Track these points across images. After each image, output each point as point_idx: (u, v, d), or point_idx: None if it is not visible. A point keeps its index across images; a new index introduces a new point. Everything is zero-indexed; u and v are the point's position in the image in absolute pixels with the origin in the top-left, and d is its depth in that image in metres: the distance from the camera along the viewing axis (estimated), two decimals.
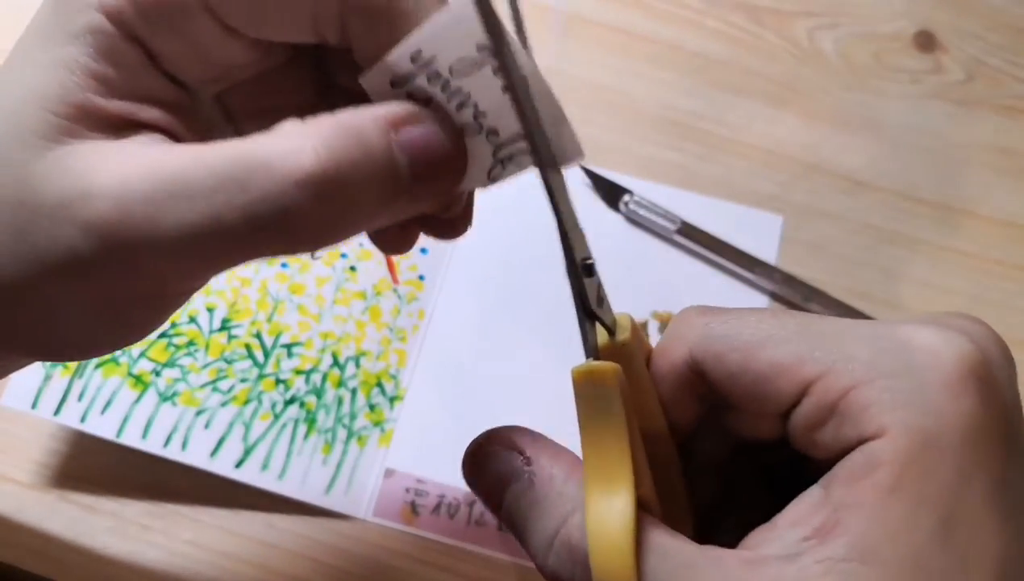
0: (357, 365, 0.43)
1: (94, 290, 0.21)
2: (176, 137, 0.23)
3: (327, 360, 0.43)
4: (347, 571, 0.39)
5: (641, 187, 0.49)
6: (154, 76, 0.23)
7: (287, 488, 0.40)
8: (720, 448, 0.25)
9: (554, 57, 0.54)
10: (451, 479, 0.41)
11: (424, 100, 0.23)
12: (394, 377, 0.43)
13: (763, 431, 0.23)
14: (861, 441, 0.20)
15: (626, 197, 0.48)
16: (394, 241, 0.28)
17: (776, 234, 0.48)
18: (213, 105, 0.26)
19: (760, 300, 0.47)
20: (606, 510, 0.21)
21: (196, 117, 0.24)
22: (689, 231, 0.47)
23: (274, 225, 0.20)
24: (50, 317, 0.22)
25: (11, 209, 0.21)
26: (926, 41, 0.56)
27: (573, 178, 0.49)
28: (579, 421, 0.22)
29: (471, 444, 0.24)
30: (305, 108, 0.27)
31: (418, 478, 0.41)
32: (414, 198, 0.22)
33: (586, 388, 0.22)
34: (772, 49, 0.55)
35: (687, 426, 0.25)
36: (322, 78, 0.27)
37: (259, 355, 0.43)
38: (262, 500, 0.40)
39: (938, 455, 0.19)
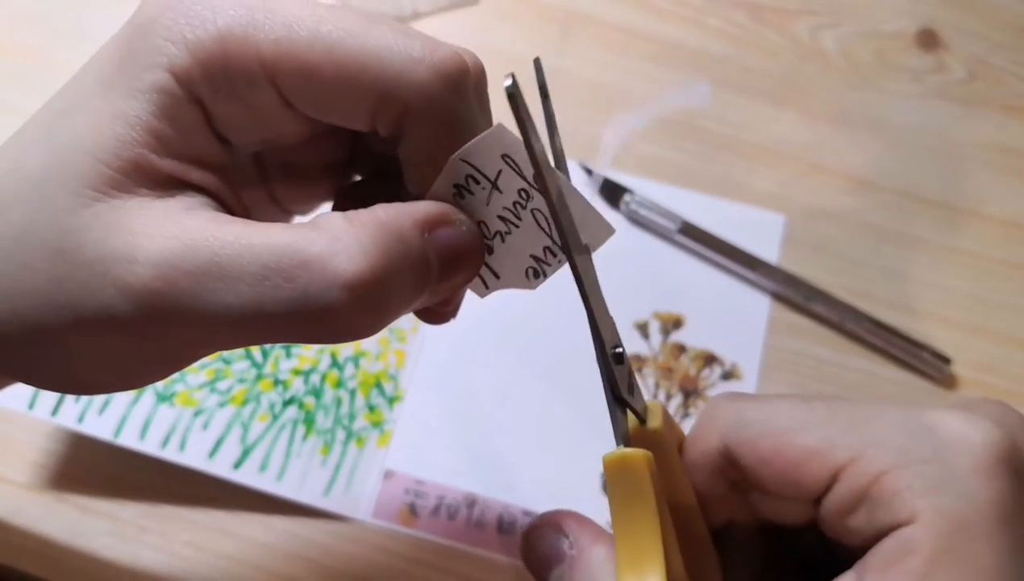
0: (356, 366, 0.43)
1: (120, 346, 0.22)
2: (216, 195, 0.23)
3: (326, 361, 0.43)
4: (346, 573, 0.39)
5: (642, 186, 0.48)
6: (208, 138, 0.23)
7: (286, 489, 0.40)
8: (755, 535, 0.26)
9: (555, 55, 0.54)
10: (450, 480, 0.41)
11: (467, 192, 0.24)
12: (393, 378, 0.43)
13: (796, 517, 0.23)
14: (894, 527, 0.20)
15: (627, 196, 0.48)
16: (438, 314, 0.28)
17: (778, 233, 0.48)
18: (249, 159, 0.26)
19: (762, 300, 0.46)
20: None
21: (233, 170, 0.25)
22: (690, 230, 0.47)
23: (313, 320, 0.21)
24: (67, 360, 0.22)
25: (51, 256, 0.21)
26: (928, 40, 0.55)
27: (573, 177, 0.49)
28: (611, 507, 0.22)
29: (528, 525, 0.25)
30: (333, 167, 0.28)
31: (417, 479, 0.41)
32: (434, 293, 0.23)
33: (618, 475, 0.22)
34: (773, 48, 0.55)
35: (722, 513, 0.25)
36: (354, 138, 0.28)
37: (257, 356, 0.42)
38: (260, 501, 0.40)
39: (971, 539, 0.19)
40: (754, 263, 0.46)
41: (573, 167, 0.49)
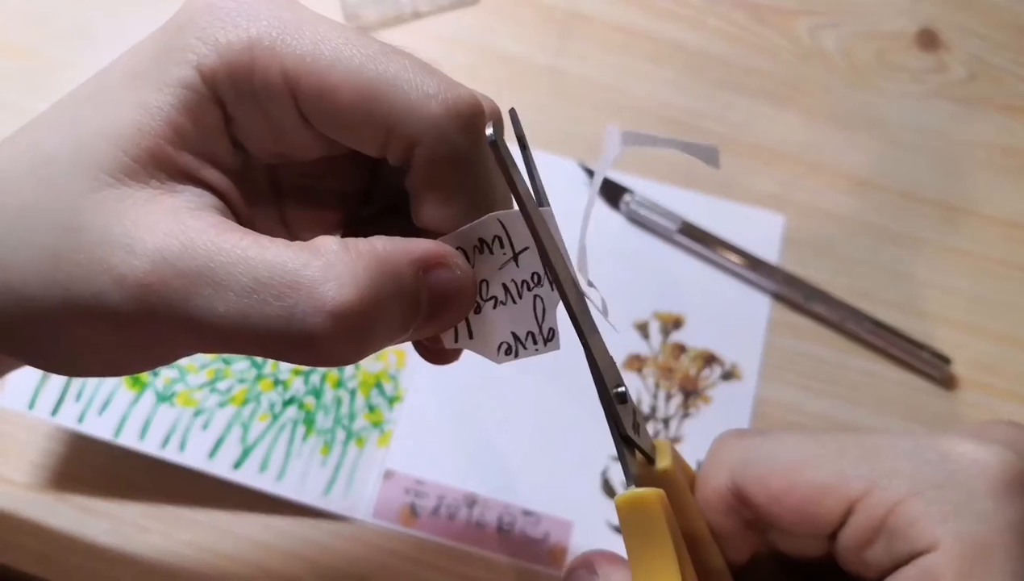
0: (356, 366, 0.43)
1: (107, 335, 0.22)
2: (225, 197, 0.24)
3: None
4: (346, 572, 0.39)
5: (642, 186, 0.48)
6: (224, 140, 0.24)
7: (285, 489, 0.40)
8: (775, 570, 0.26)
9: (555, 55, 0.54)
10: (451, 480, 0.41)
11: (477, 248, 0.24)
12: (393, 378, 0.43)
13: (814, 551, 0.23)
14: (913, 556, 0.20)
15: (627, 196, 0.48)
16: (441, 355, 0.28)
17: (778, 233, 0.48)
18: (263, 173, 0.27)
19: (762, 300, 0.46)
20: None
21: (246, 181, 0.25)
22: (690, 230, 0.47)
23: (296, 342, 0.21)
24: (55, 341, 0.23)
25: (57, 233, 0.21)
26: (928, 40, 0.55)
27: (573, 177, 0.49)
28: (627, 549, 0.22)
29: (568, 564, 0.25)
30: (347, 197, 0.28)
31: (417, 479, 0.41)
32: (418, 331, 0.23)
33: (632, 516, 0.22)
34: (773, 48, 0.55)
35: (742, 551, 0.25)
36: (371, 170, 0.28)
37: None
38: (260, 501, 0.40)
39: (993, 563, 0.20)
40: (754, 263, 0.46)
41: (573, 167, 0.49)
